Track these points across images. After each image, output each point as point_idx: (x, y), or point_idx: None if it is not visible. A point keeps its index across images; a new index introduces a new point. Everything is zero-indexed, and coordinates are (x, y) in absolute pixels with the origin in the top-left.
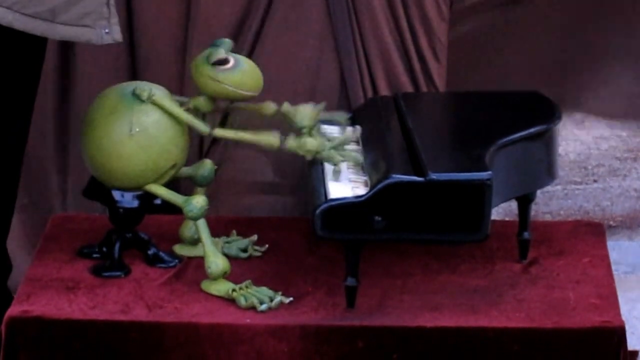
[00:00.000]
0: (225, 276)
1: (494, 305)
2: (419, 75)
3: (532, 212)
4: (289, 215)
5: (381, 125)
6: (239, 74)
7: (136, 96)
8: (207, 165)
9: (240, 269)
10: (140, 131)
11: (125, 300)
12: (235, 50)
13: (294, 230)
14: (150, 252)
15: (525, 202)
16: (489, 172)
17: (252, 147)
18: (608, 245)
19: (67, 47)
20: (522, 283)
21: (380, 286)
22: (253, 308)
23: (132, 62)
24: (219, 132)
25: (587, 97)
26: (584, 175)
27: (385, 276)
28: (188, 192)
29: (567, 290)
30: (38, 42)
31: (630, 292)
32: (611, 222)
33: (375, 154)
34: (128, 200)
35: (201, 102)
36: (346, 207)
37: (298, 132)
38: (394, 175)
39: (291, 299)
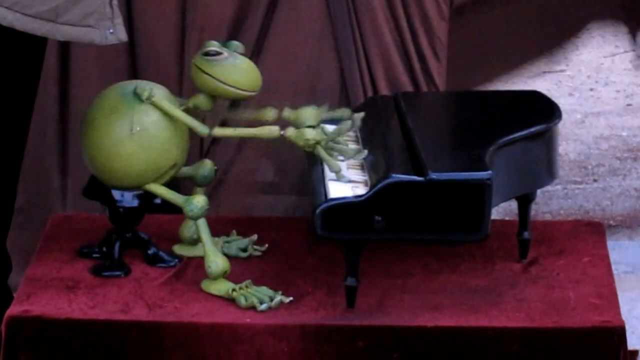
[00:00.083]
0: (225, 276)
1: (494, 305)
2: (419, 75)
3: (532, 212)
4: (289, 215)
5: (381, 124)
6: (229, 68)
7: (137, 95)
8: (207, 165)
9: (240, 268)
10: (140, 130)
11: (125, 300)
12: None
13: (294, 230)
14: (150, 251)
15: (525, 201)
16: (489, 172)
17: (253, 147)
18: (608, 244)
19: (66, 47)
20: (522, 283)
21: (380, 286)
22: (253, 308)
23: (132, 62)
24: (218, 132)
25: None
26: (584, 175)
27: (386, 276)
28: (188, 192)
29: (567, 289)
30: (38, 43)
31: (630, 291)
32: (611, 222)
33: (375, 154)
34: (128, 199)
35: (201, 100)
36: (346, 206)
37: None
38: (394, 175)
39: (291, 298)
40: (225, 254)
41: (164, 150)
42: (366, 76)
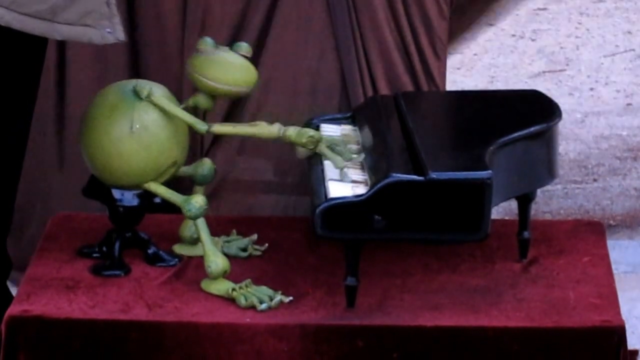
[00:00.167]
0: (225, 275)
1: (494, 305)
2: (419, 74)
3: (532, 212)
4: (289, 215)
5: (381, 124)
6: (209, 63)
7: (136, 94)
8: (206, 165)
9: (240, 268)
10: (140, 129)
11: (125, 299)
12: None
13: (294, 230)
14: (150, 251)
15: (525, 201)
16: (489, 172)
17: (253, 147)
18: (608, 244)
19: (65, 47)
20: (522, 282)
21: (380, 285)
22: (253, 307)
23: (132, 62)
24: (217, 128)
25: None
26: (584, 175)
27: (385, 275)
28: (188, 191)
29: (567, 289)
30: (38, 42)
31: (631, 291)
32: (611, 222)
33: (375, 153)
34: (128, 199)
35: (200, 99)
36: (346, 206)
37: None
38: (394, 175)
39: (291, 298)
40: (225, 254)
41: (164, 149)
42: (366, 76)
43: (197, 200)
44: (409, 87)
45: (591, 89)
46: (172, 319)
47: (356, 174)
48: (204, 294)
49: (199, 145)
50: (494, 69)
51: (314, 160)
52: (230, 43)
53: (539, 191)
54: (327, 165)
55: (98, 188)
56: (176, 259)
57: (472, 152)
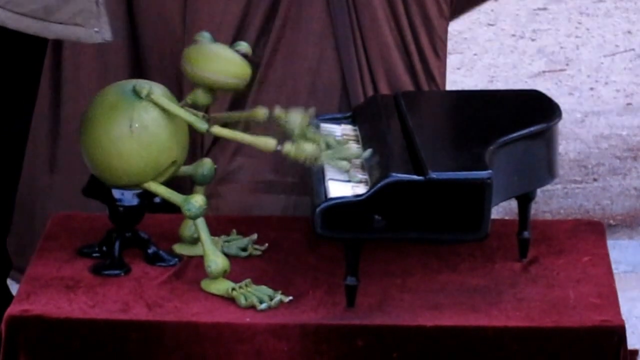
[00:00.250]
0: (225, 275)
1: (494, 304)
2: (419, 74)
3: (532, 211)
4: (289, 215)
5: (381, 124)
6: (196, 51)
7: (136, 93)
8: (206, 164)
9: (240, 268)
10: (140, 128)
11: (125, 299)
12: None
13: (294, 230)
14: (150, 251)
15: (525, 201)
16: (489, 171)
17: (253, 147)
18: (608, 244)
19: (62, 46)
20: (522, 282)
21: (380, 285)
22: (253, 307)
23: (131, 62)
24: (216, 130)
25: None
26: (584, 174)
27: (385, 275)
28: (188, 191)
29: (567, 289)
30: (38, 43)
31: (631, 291)
32: (611, 221)
33: (375, 153)
34: (128, 198)
35: (198, 95)
36: (346, 206)
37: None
38: (393, 174)
39: (291, 298)
40: (225, 254)
41: (163, 148)
42: (366, 75)
43: (197, 200)
44: (409, 87)
45: (591, 89)
46: (172, 318)
47: (356, 173)
48: (203, 293)
49: (199, 145)
50: (494, 69)
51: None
52: (231, 43)
53: (539, 191)
54: (327, 165)
55: (98, 188)
56: (176, 259)
57: (472, 151)
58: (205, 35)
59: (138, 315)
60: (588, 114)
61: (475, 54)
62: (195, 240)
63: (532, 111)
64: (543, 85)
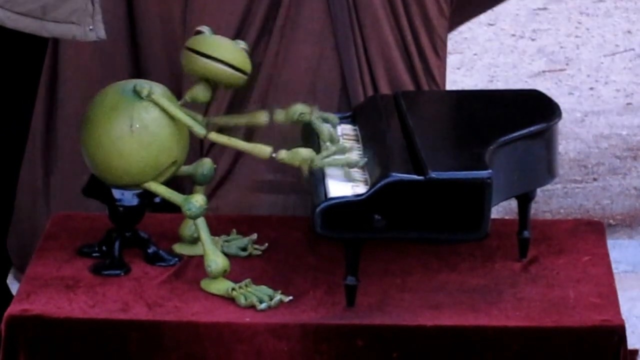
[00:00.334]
0: (225, 275)
1: (493, 304)
2: (419, 73)
3: (532, 211)
4: (288, 214)
5: (381, 123)
6: (196, 41)
7: (136, 93)
8: (206, 164)
9: (240, 267)
10: (140, 128)
11: (125, 299)
12: None
13: (294, 229)
14: (150, 250)
15: (525, 200)
16: (489, 171)
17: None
18: (608, 243)
19: (62, 46)
20: (522, 282)
21: (380, 285)
22: (253, 307)
23: (131, 61)
24: (213, 136)
25: None
26: (584, 174)
27: (385, 275)
28: (188, 191)
29: (567, 289)
30: (38, 42)
31: (631, 290)
32: (611, 221)
33: (375, 153)
34: (128, 198)
35: (197, 92)
36: (346, 205)
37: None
38: (393, 174)
39: (291, 297)
40: (224, 253)
41: (164, 148)
42: (366, 74)
43: (197, 200)
44: (409, 87)
45: (591, 89)
46: (171, 318)
47: (356, 173)
48: (203, 293)
49: (199, 145)
50: (494, 69)
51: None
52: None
53: (539, 190)
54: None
55: (98, 187)
56: (176, 259)
57: (472, 151)
58: (206, 29)
59: (138, 315)
60: (588, 114)
61: (475, 54)
62: (195, 240)
63: (532, 111)
64: (543, 85)
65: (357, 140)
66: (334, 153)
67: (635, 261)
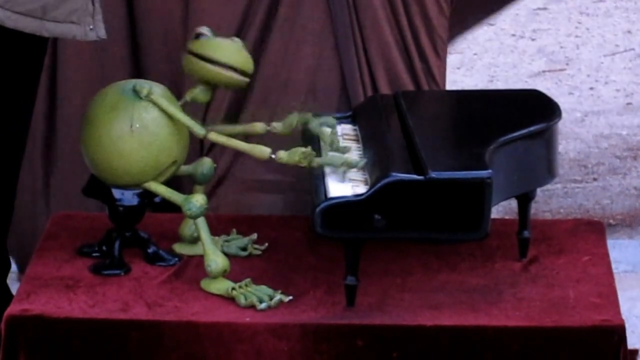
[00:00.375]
0: (225, 275)
1: (493, 304)
2: (419, 73)
3: (532, 211)
4: (288, 214)
5: (381, 123)
6: (210, 43)
7: (136, 93)
8: (206, 163)
9: (240, 267)
10: (140, 128)
11: (125, 298)
12: None
13: (294, 229)
14: (150, 250)
15: (525, 200)
16: (489, 171)
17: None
18: (608, 243)
19: (62, 46)
20: (522, 282)
21: (380, 285)
22: (253, 307)
23: (131, 61)
24: (213, 137)
25: None
26: (584, 174)
27: (385, 275)
28: (188, 190)
29: (567, 288)
30: (38, 42)
31: (631, 290)
32: (611, 221)
33: (375, 152)
34: (128, 198)
35: (197, 93)
36: (346, 205)
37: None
38: (393, 174)
39: (291, 297)
40: (224, 253)
41: (164, 148)
42: (366, 74)
43: (198, 200)
44: (409, 86)
45: (591, 88)
46: (171, 318)
47: (356, 173)
48: (203, 293)
49: (199, 145)
50: (494, 69)
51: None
52: None
53: (538, 190)
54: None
55: (98, 187)
56: (176, 258)
57: (472, 151)
58: (206, 30)
59: (138, 314)
60: (588, 114)
61: (475, 54)
62: (195, 240)
63: (532, 111)
64: (543, 85)
65: (357, 140)
66: (333, 159)
67: (635, 261)
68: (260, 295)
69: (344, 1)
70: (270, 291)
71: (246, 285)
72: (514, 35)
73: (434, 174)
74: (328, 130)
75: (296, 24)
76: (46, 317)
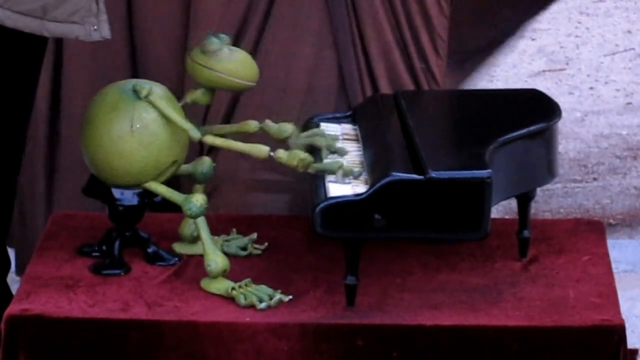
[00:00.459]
0: (225, 274)
1: (493, 304)
2: (419, 73)
3: (532, 211)
4: (288, 214)
5: (381, 123)
6: (232, 62)
7: (136, 93)
8: (206, 163)
9: (240, 267)
10: (140, 128)
11: (125, 298)
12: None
13: (294, 229)
14: (150, 250)
15: (525, 200)
16: (489, 171)
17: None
18: (608, 243)
19: (63, 47)
20: (522, 281)
21: (380, 284)
22: (252, 306)
23: (130, 61)
24: (209, 139)
25: None
26: (584, 174)
27: (385, 274)
28: (187, 190)
29: (567, 288)
30: (37, 41)
31: (630, 290)
32: (611, 220)
33: (375, 152)
34: (128, 198)
35: (199, 95)
36: (346, 205)
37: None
38: (393, 174)
39: (291, 297)
40: (224, 253)
41: (164, 148)
42: (365, 74)
43: (198, 199)
44: (409, 86)
45: (591, 88)
46: (171, 317)
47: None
48: (203, 292)
49: (199, 144)
50: (493, 68)
51: (314, 158)
52: (233, 43)
53: (538, 190)
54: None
55: (98, 187)
56: (176, 258)
57: (472, 151)
58: (215, 42)
59: (138, 314)
60: (588, 113)
61: None
62: (195, 239)
63: (532, 110)
64: (543, 85)
65: (357, 140)
66: (329, 165)
67: (635, 261)
68: (260, 295)
69: (343, 1)
70: (270, 291)
71: (246, 285)
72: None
73: (434, 174)
74: (323, 136)
75: (295, 23)
76: (46, 316)
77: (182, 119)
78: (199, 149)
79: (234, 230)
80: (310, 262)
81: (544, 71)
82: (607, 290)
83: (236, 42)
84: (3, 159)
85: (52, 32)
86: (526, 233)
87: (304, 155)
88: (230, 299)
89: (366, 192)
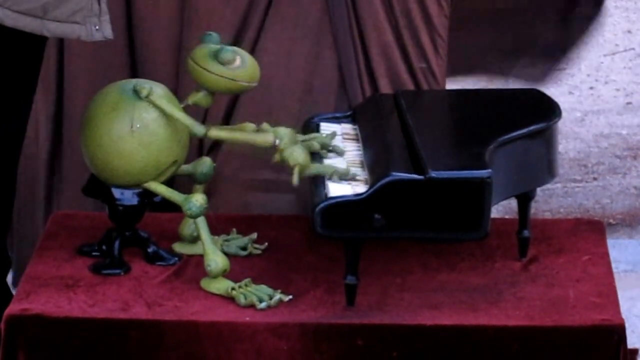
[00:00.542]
0: (225, 274)
1: (493, 304)
2: (419, 73)
3: (532, 210)
4: (288, 214)
5: (381, 123)
6: (243, 69)
7: (136, 93)
8: (206, 163)
9: (240, 267)
10: (141, 128)
11: (125, 298)
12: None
13: (294, 228)
14: (149, 250)
15: (525, 200)
16: (489, 170)
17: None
18: (608, 243)
19: (64, 47)
20: (521, 281)
21: (380, 284)
22: (252, 306)
23: (130, 61)
24: (213, 133)
25: None
26: (584, 173)
27: (385, 274)
28: (187, 190)
29: (567, 288)
30: (36, 41)
31: (630, 290)
32: (611, 220)
33: (375, 152)
34: (128, 197)
35: (200, 97)
36: (346, 205)
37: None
38: (393, 174)
39: (290, 297)
40: (224, 253)
41: (164, 148)
42: (364, 73)
43: (198, 199)
44: (409, 86)
45: (591, 88)
46: (171, 317)
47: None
48: (203, 292)
49: (199, 144)
50: None
51: (314, 158)
52: (232, 42)
53: (538, 190)
54: (328, 163)
55: (98, 187)
56: (176, 258)
57: (472, 150)
58: (229, 52)
59: (138, 314)
60: (588, 113)
61: None
62: (195, 239)
63: (532, 110)
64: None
65: (357, 140)
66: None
67: (635, 260)
68: (260, 295)
69: (343, 0)
70: (270, 291)
71: (246, 285)
72: None
73: (433, 174)
74: (315, 144)
75: (294, 23)
76: (46, 316)
77: (184, 115)
78: (199, 149)
79: (234, 230)
80: (310, 262)
81: None
82: (607, 290)
83: (236, 42)
84: (3, 159)
85: (53, 32)
86: (526, 233)
87: (301, 158)
88: (230, 299)
89: (366, 192)
